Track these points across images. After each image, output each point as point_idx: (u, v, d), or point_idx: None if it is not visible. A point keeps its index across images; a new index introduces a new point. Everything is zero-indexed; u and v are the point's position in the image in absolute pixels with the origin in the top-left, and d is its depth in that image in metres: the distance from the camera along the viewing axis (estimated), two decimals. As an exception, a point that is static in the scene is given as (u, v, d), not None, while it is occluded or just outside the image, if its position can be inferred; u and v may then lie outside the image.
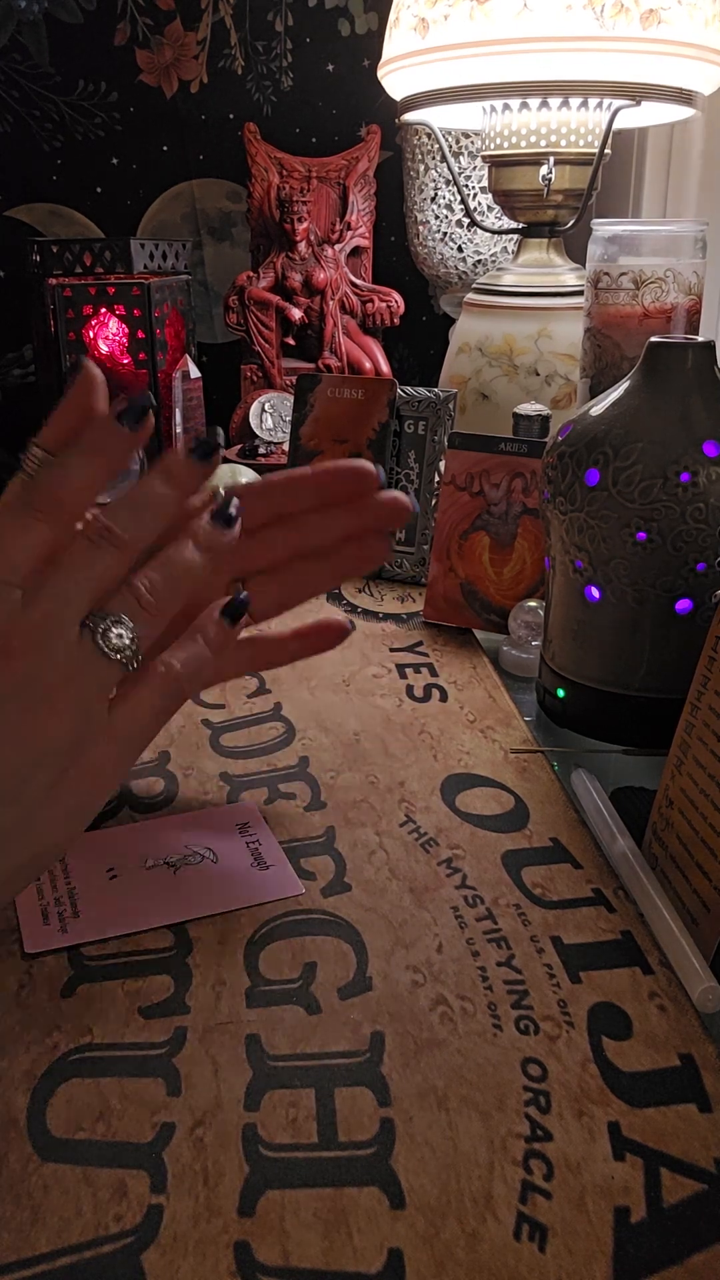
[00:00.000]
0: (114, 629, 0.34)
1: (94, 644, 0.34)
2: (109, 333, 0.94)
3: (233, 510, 0.38)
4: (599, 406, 0.53)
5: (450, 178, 1.02)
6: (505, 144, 0.83)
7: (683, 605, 0.50)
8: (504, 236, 1.02)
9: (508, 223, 0.92)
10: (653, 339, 0.52)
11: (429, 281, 1.16)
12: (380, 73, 0.85)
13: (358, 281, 1.10)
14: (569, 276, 0.88)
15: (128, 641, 0.34)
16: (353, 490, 0.42)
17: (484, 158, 0.87)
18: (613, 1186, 0.30)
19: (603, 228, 0.70)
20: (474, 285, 0.93)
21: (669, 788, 0.44)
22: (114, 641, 0.34)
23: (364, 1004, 0.37)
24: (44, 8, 1.10)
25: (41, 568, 0.34)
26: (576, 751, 0.55)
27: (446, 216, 1.06)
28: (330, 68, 1.15)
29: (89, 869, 0.44)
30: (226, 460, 0.98)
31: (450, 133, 1.00)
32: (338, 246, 1.08)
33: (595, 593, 0.52)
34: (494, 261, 1.06)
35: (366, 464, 0.41)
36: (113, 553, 0.35)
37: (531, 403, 0.76)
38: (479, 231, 1.05)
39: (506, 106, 0.81)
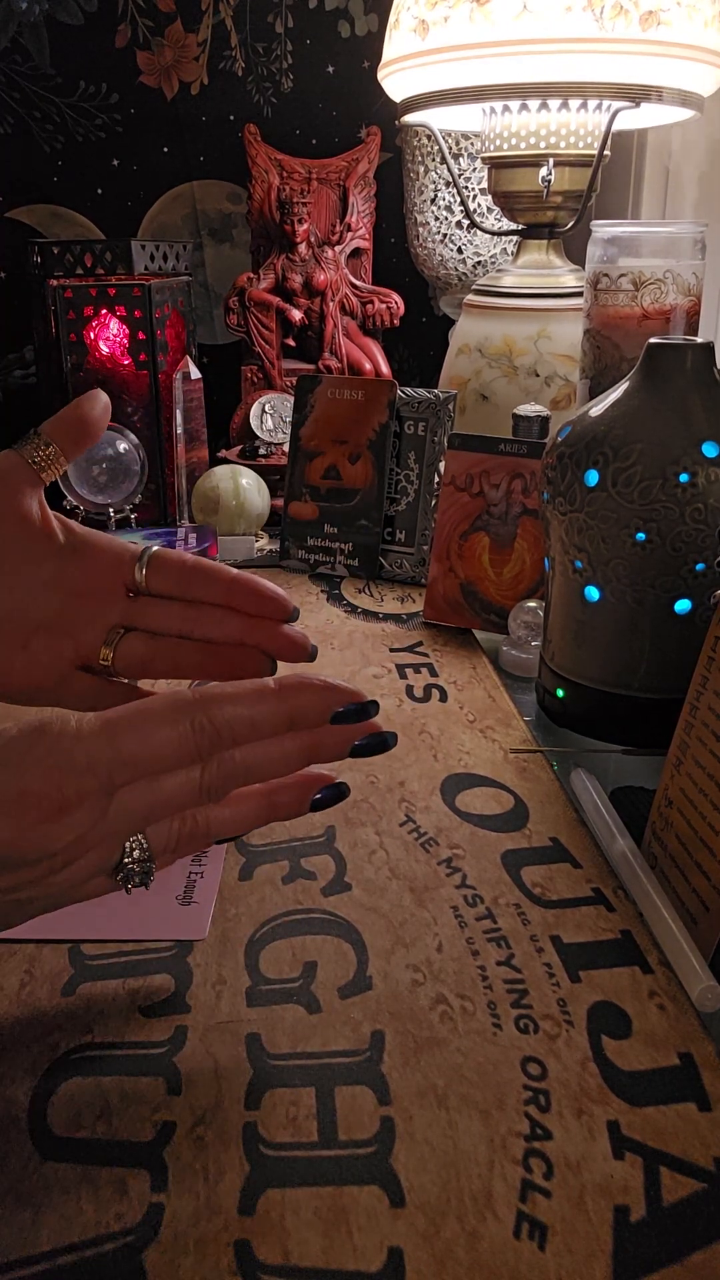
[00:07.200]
0: (133, 862, 0.32)
1: (114, 869, 0.32)
2: (110, 334, 0.94)
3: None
4: (598, 407, 0.53)
5: (450, 179, 1.02)
6: (505, 145, 0.83)
7: (682, 605, 0.50)
8: (504, 238, 1.02)
9: (507, 224, 0.92)
10: (652, 340, 0.52)
11: (429, 283, 1.16)
12: (380, 74, 0.85)
13: (358, 283, 1.11)
14: (568, 278, 0.88)
15: (135, 869, 0.32)
16: (259, 610, 0.40)
17: (484, 159, 0.87)
18: (612, 1185, 0.30)
19: (602, 229, 0.70)
20: (473, 286, 0.93)
21: (668, 787, 0.44)
22: (127, 866, 0.32)
23: (364, 1003, 0.37)
24: (45, 10, 1.10)
25: (153, 770, 0.32)
26: (576, 751, 0.55)
27: (446, 218, 1.06)
28: (330, 69, 1.15)
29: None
30: (226, 461, 0.98)
31: (450, 134, 1.00)
32: (338, 248, 1.08)
33: (595, 593, 0.52)
34: (493, 263, 1.06)
35: (282, 595, 0.39)
36: (203, 796, 0.33)
37: (531, 404, 0.76)
38: (479, 233, 1.05)
39: (506, 108, 0.81)
